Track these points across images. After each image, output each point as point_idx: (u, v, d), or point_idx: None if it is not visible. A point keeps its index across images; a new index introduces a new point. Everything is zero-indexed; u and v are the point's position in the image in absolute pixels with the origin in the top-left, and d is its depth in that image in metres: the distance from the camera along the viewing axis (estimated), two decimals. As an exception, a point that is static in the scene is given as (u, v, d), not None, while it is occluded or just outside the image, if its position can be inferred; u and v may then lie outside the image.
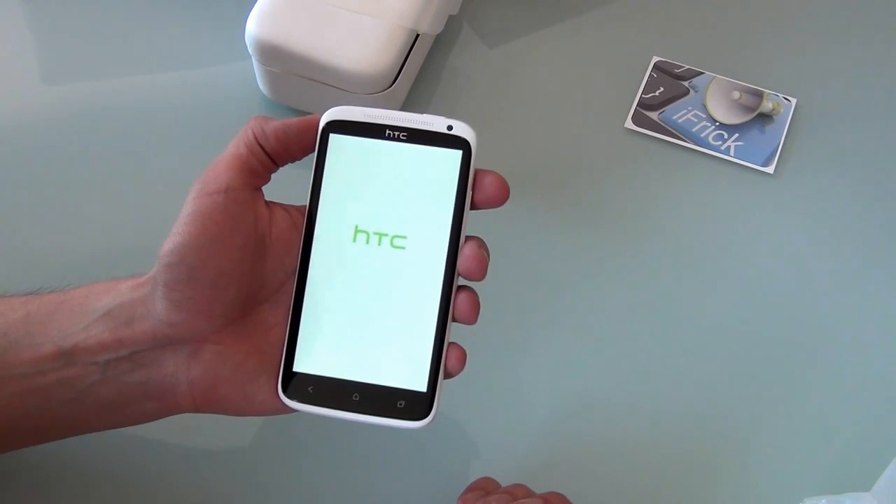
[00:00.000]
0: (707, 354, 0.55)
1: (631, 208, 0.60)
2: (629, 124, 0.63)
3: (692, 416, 0.53)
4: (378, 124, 0.41)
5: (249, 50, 0.58)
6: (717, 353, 0.55)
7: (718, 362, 0.55)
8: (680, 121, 0.63)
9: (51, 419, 0.42)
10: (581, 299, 0.56)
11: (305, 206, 0.42)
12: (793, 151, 0.62)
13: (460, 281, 0.41)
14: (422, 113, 0.41)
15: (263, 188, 0.42)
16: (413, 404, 0.40)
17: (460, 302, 0.41)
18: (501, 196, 0.41)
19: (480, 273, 0.41)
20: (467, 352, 0.42)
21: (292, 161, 0.42)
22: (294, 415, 0.42)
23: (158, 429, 0.44)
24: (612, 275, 0.57)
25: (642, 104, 0.63)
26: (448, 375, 0.41)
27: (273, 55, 0.57)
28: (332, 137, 0.41)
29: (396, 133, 0.41)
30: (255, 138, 0.41)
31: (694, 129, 0.62)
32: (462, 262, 0.41)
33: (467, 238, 0.41)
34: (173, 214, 0.40)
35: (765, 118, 0.63)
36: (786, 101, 0.64)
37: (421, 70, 0.63)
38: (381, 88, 0.58)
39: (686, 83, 0.64)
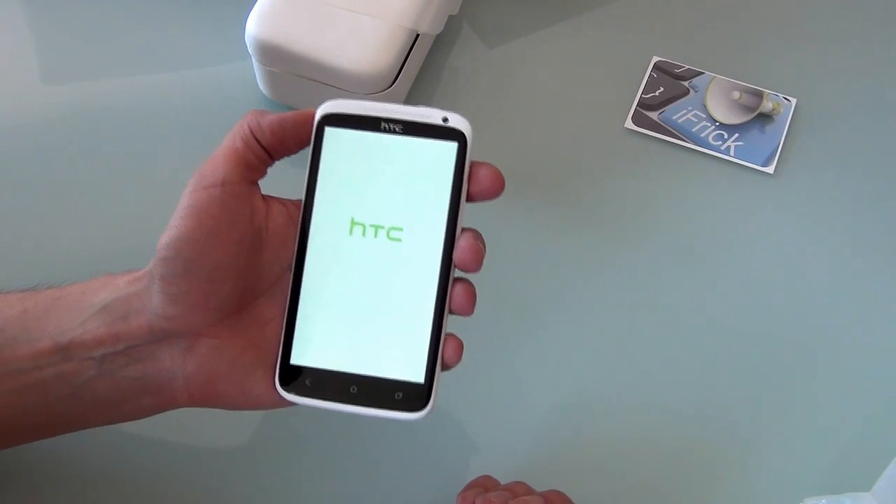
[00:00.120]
0: (707, 354, 0.55)
1: (631, 208, 0.60)
2: (629, 124, 0.63)
3: (692, 415, 0.53)
4: (373, 117, 0.41)
5: (249, 50, 0.58)
6: (717, 352, 0.55)
7: (718, 362, 0.54)
8: (680, 121, 0.63)
9: (48, 415, 0.42)
10: (581, 298, 0.56)
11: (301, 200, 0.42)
12: (793, 151, 0.62)
13: (457, 273, 0.41)
14: (417, 106, 0.41)
15: (260, 182, 0.42)
16: (411, 396, 0.40)
17: (457, 293, 0.41)
18: (496, 188, 0.41)
19: (476, 264, 0.40)
20: (469, 352, 0.41)
21: (288, 154, 0.42)
22: (292, 409, 0.42)
23: (156, 425, 0.44)
24: (613, 274, 0.57)
25: (642, 104, 0.63)
26: (445, 367, 0.41)
27: (273, 55, 0.57)
28: (328, 130, 0.41)
29: (392, 126, 0.41)
30: (251, 132, 0.41)
31: (694, 129, 0.62)
32: (458, 254, 0.40)
33: (463, 230, 0.41)
34: (173, 214, 0.40)
35: (765, 118, 0.63)
36: (786, 101, 0.64)
37: (421, 70, 0.64)
38: (382, 88, 0.58)
39: (686, 83, 0.64)
